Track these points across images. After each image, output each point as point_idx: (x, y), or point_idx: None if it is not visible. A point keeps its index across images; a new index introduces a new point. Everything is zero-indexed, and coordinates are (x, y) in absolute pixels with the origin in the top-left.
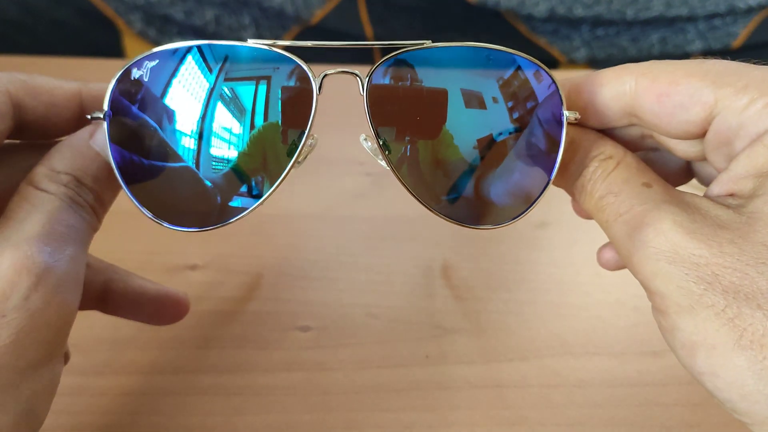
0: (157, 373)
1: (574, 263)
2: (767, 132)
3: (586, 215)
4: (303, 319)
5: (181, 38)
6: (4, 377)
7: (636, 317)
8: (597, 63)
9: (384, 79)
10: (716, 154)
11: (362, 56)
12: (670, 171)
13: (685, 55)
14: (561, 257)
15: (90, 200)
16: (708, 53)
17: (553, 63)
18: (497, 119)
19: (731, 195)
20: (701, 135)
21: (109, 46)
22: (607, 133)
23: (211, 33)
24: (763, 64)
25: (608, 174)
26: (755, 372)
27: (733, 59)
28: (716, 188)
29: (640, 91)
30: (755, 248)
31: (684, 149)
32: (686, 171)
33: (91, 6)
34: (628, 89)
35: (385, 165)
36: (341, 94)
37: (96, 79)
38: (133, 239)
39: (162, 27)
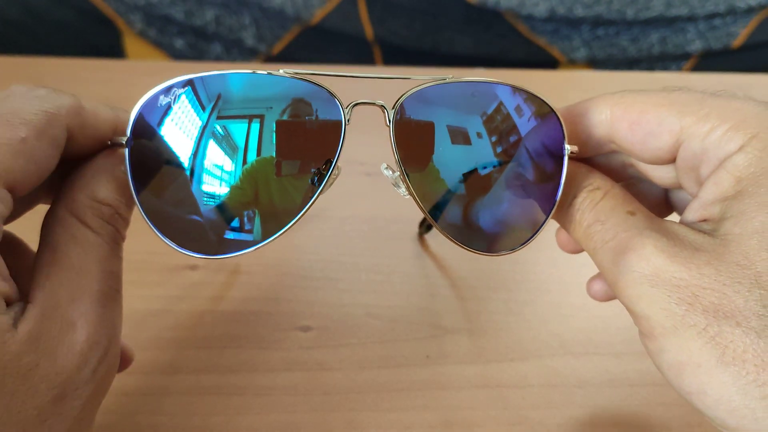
0: (157, 373)
1: (574, 263)
2: (728, 157)
3: (569, 248)
4: (303, 319)
5: (181, 38)
6: None
7: None
8: (597, 63)
9: (408, 112)
10: (687, 179)
11: (361, 56)
12: (649, 203)
13: (685, 55)
14: (561, 257)
15: (123, 231)
16: (708, 53)
17: (553, 63)
18: (505, 153)
19: (704, 221)
20: (672, 160)
21: (110, 46)
22: (592, 161)
23: (211, 33)
24: (740, 94)
25: (596, 204)
26: (739, 387)
27: (733, 59)
28: (689, 215)
29: (615, 119)
30: (730, 268)
31: (660, 176)
32: (665, 204)
33: (92, 6)
34: (605, 118)
35: (405, 193)
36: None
37: (96, 79)
38: (133, 239)
39: (162, 27)
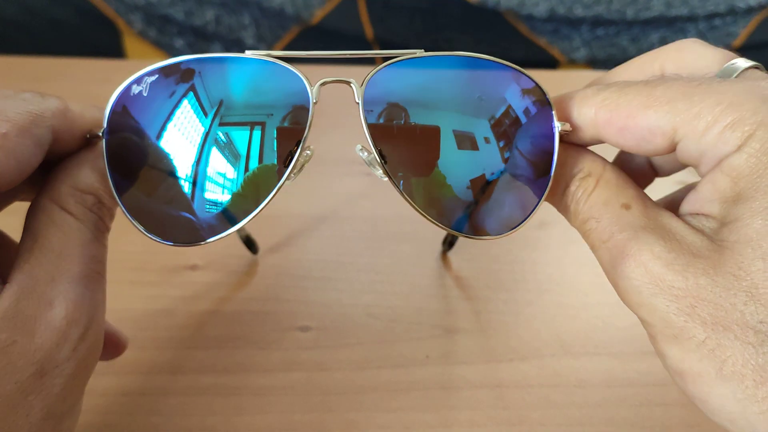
0: (157, 373)
1: (573, 263)
2: (726, 157)
3: None
4: (303, 319)
5: (181, 38)
6: (52, 425)
7: (636, 317)
8: (597, 63)
9: (380, 89)
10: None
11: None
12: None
13: None
14: (561, 257)
15: (107, 221)
16: None
17: (553, 63)
18: (490, 131)
19: (702, 215)
20: (671, 151)
21: (109, 46)
22: None
23: (211, 33)
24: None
25: (589, 195)
26: (738, 401)
27: None
28: (686, 207)
29: (601, 124)
30: (726, 279)
31: (663, 161)
32: (650, 168)
33: (91, 6)
34: (590, 121)
35: (382, 175)
36: (339, 96)
37: (96, 79)
38: (133, 239)
39: (162, 27)
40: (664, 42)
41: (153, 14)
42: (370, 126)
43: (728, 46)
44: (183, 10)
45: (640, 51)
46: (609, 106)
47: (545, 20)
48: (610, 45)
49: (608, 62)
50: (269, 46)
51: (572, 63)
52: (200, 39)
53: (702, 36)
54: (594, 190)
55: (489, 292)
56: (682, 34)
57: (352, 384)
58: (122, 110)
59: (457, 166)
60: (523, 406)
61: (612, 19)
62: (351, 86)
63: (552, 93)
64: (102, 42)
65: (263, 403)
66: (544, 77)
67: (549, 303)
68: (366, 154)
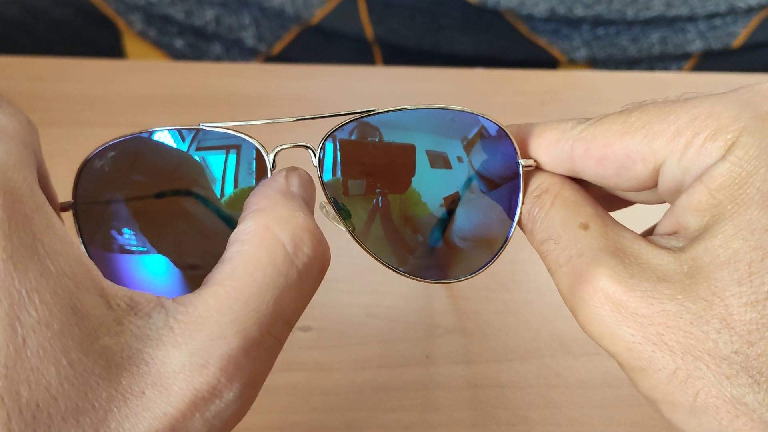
0: None
1: None
2: (707, 170)
3: None
4: (303, 319)
5: (181, 38)
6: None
7: None
8: (597, 63)
9: (336, 150)
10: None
11: (362, 56)
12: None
13: (685, 55)
14: None
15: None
16: (708, 53)
17: (553, 63)
18: (453, 178)
19: (675, 233)
20: (654, 185)
21: (109, 46)
22: None
23: (211, 33)
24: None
25: (546, 213)
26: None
27: (733, 59)
28: (661, 226)
29: (578, 157)
30: (697, 304)
31: (647, 198)
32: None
33: (92, 6)
34: (566, 156)
35: (345, 230)
36: (335, 97)
37: (96, 79)
38: None
39: (162, 27)
40: (664, 42)
41: (153, 14)
42: (329, 187)
43: (728, 46)
44: (183, 10)
45: (640, 51)
46: (585, 138)
47: (545, 20)
48: (610, 45)
49: (608, 62)
50: (269, 47)
51: (572, 63)
52: (200, 39)
53: (702, 36)
54: (551, 208)
55: (489, 292)
56: (683, 33)
57: (352, 384)
58: (87, 182)
59: (424, 217)
60: (523, 406)
61: (612, 18)
62: (309, 151)
63: (552, 93)
64: (102, 42)
65: (264, 403)
66: (544, 77)
67: (549, 303)
68: (327, 211)
